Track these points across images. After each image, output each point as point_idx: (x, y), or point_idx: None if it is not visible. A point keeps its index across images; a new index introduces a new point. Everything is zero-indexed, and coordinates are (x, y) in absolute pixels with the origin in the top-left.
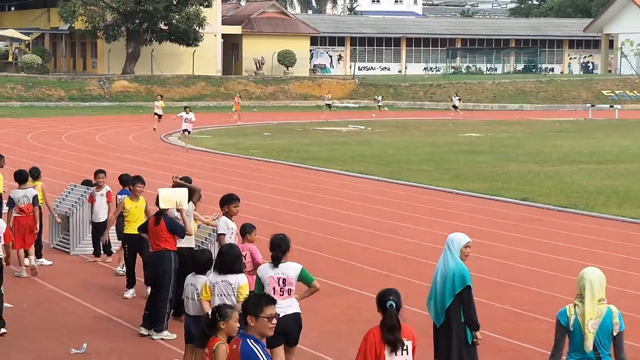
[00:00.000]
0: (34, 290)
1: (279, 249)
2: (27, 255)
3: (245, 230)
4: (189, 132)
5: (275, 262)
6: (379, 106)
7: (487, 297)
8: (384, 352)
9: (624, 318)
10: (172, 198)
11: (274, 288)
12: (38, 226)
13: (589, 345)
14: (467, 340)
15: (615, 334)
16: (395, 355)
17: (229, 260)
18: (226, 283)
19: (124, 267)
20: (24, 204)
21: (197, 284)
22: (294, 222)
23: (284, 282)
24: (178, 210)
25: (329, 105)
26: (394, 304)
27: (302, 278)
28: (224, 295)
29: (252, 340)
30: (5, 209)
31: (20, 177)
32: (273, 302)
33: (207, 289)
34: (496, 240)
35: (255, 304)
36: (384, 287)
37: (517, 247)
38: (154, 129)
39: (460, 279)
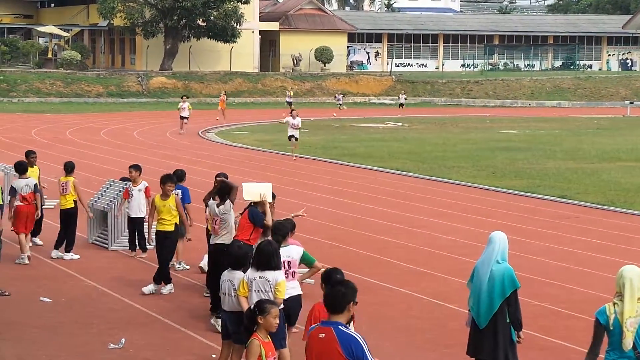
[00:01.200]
0: (72, 285)
1: (279, 233)
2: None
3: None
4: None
5: (279, 245)
6: (339, 105)
7: (524, 295)
8: None
9: None
10: (256, 191)
11: None
12: (39, 212)
13: (627, 343)
14: (512, 340)
15: None
16: None
17: (266, 257)
18: (264, 279)
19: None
20: (26, 192)
21: (234, 279)
22: (330, 219)
23: (289, 265)
24: (262, 202)
25: (289, 103)
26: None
27: (304, 260)
28: (262, 291)
29: (342, 327)
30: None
31: (21, 168)
32: (275, 303)
33: (244, 285)
34: (533, 237)
35: (263, 307)
36: (418, 284)
37: (553, 244)
38: (180, 133)
39: (511, 281)
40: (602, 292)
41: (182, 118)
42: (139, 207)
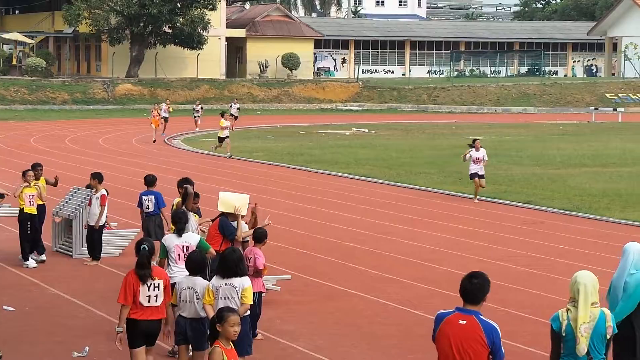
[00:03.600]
0: (37, 294)
1: (181, 222)
2: None
3: (259, 238)
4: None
5: (180, 232)
6: (232, 114)
7: (489, 300)
8: (139, 288)
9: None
10: (231, 203)
11: (179, 254)
12: None
13: (581, 349)
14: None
15: (609, 337)
16: (148, 290)
17: (232, 264)
18: (230, 286)
19: None
20: None
21: (195, 286)
22: (297, 225)
23: (187, 250)
24: (236, 215)
25: (235, 117)
26: (147, 247)
27: (200, 246)
28: (228, 298)
29: (482, 316)
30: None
31: None
32: (235, 311)
33: (210, 293)
34: (498, 243)
35: (221, 315)
36: (384, 290)
37: (519, 249)
38: (163, 135)
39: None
40: (567, 297)
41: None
42: (94, 215)
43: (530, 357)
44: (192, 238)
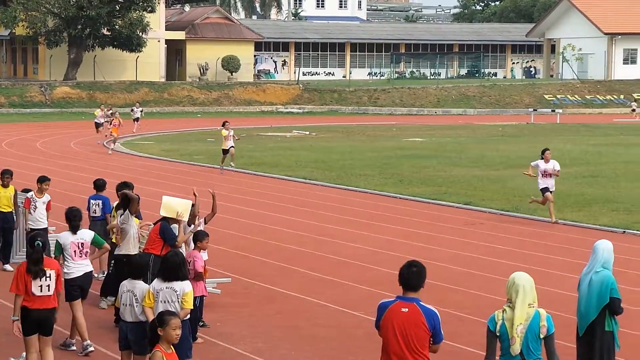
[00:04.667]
0: None
1: (75, 219)
2: None
3: (197, 238)
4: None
5: (74, 230)
6: (136, 118)
7: (429, 301)
8: (31, 280)
9: (564, 321)
10: (174, 208)
11: (74, 251)
12: None
13: (515, 349)
14: (612, 349)
15: (542, 336)
16: (40, 280)
17: (173, 267)
18: (171, 290)
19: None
20: None
21: (135, 289)
22: (238, 228)
23: (82, 246)
24: (177, 220)
25: (136, 119)
26: (40, 243)
27: (95, 242)
28: (168, 302)
29: (422, 302)
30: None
31: None
32: (176, 315)
33: (150, 296)
34: (439, 244)
35: (162, 318)
36: (324, 292)
37: (459, 250)
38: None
39: (607, 290)
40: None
41: (97, 125)
42: (39, 219)
43: (469, 357)
44: (86, 235)
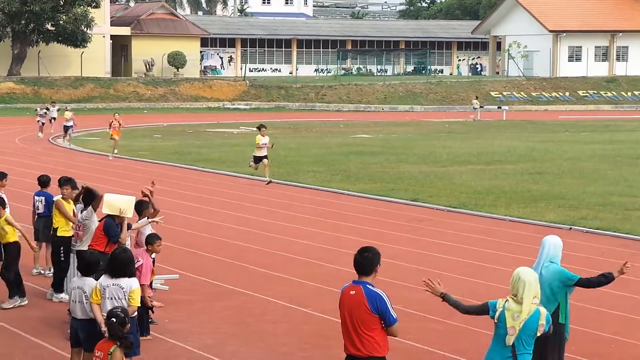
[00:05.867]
0: None
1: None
2: None
3: (149, 241)
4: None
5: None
6: (52, 117)
7: None
8: None
9: None
10: (117, 205)
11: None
12: None
13: (509, 340)
14: (562, 341)
15: (539, 334)
16: None
17: (121, 264)
18: (117, 287)
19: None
20: None
21: (85, 286)
22: (185, 224)
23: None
24: (121, 217)
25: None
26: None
27: None
28: (115, 298)
29: (370, 285)
30: None
31: None
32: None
33: (97, 292)
34: (387, 240)
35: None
36: (275, 288)
37: (406, 247)
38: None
39: (561, 279)
40: (454, 293)
41: (66, 128)
42: None
43: (418, 353)
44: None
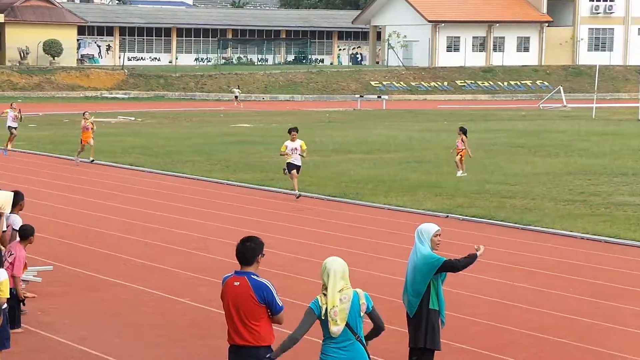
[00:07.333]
0: None
1: None
2: None
3: (23, 233)
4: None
5: None
6: None
7: None
8: None
9: (392, 305)
10: None
11: None
12: None
13: (334, 331)
14: (438, 325)
15: (363, 313)
16: None
17: None
18: None
19: None
20: None
21: None
22: (59, 215)
23: None
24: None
25: None
26: None
27: None
28: None
29: (255, 276)
30: None
31: None
32: None
33: None
34: (268, 230)
35: None
36: (153, 279)
37: (286, 236)
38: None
39: (430, 262)
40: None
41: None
42: None
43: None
44: None
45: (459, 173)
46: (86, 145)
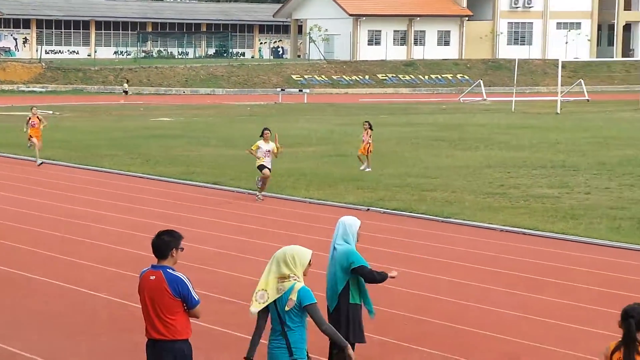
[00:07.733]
0: None
1: None
2: None
3: None
4: None
5: None
6: None
7: None
8: None
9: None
10: None
11: None
12: None
13: (251, 310)
14: (356, 320)
15: (287, 309)
16: None
17: None
18: None
19: None
20: None
21: None
22: None
23: None
24: None
25: None
26: None
27: None
28: None
29: (170, 270)
30: None
31: None
32: None
33: None
34: (189, 224)
35: None
36: (71, 274)
37: (208, 230)
38: None
39: (348, 260)
40: (250, 275)
41: None
42: None
43: (217, 336)
44: None
45: (363, 167)
46: (32, 141)
